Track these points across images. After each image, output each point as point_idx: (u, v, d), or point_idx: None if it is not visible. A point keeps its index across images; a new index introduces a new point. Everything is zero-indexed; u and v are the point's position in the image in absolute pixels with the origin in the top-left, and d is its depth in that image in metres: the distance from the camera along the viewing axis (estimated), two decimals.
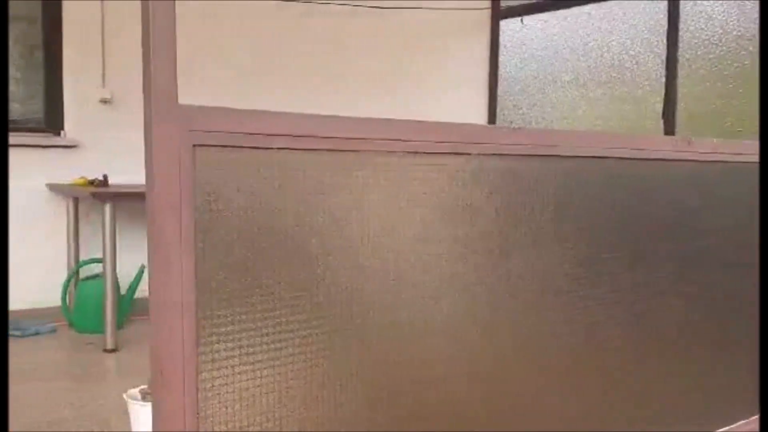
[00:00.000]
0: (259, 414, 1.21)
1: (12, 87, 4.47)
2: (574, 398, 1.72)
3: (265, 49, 5.07)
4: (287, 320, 1.23)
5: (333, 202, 1.25)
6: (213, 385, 1.16)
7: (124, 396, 2.53)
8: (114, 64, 4.55)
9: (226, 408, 1.19)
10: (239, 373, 1.20)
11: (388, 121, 1.27)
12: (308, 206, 1.23)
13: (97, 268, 4.24)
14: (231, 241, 1.17)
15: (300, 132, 1.18)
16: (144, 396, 2.50)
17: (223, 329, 1.18)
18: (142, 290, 4.33)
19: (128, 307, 4.25)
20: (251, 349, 1.21)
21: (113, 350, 3.73)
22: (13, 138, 4.30)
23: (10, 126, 4.39)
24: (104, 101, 4.54)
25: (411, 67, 5.76)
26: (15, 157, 4.30)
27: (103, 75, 4.53)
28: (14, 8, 4.43)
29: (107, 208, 3.67)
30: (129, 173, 4.52)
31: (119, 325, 3.95)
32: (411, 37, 5.75)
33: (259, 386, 1.21)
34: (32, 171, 4.34)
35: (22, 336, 4.06)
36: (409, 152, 1.36)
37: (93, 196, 3.75)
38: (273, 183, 1.19)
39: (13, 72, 4.46)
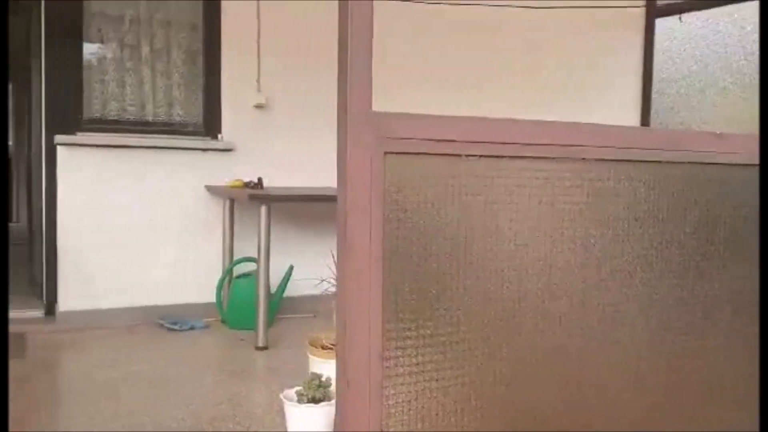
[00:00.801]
0: None
1: (174, 92, 4.72)
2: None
3: (417, 51, 5.06)
4: (472, 337, 1.17)
5: (523, 213, 1.18)
6: (396, 401, 1.12)
7: (281, 396, 2.58)
8: (268, 70, 4.70)
9: (408, 425, 1.14)
10: (421, 390, 1.15)
11: (595, 126, 1.19)
12: (496, 217, 1.17)
13: (248, 267, 4.39)
14: (417, 252, 1.13)
15: (493, 138, 1.11)
16: (300, 398, 2.53)
17: (408, 342, 1.13)
18: (290, 289, 4.44)
19: (277, 306, 4.36)
20: (433, 365, 1.16)
21: (264, 348, 3.83)
22: (174, 141, 4.55)
23: (173, 129, 4.64)
24: (259, 106, 4.70)
25: (560, 69, 5.57)
26: (176, 159, 4.54)
27: (258, 81, 4.68)
28: (177, 15, 4.68)
29: (263, 209, 3.79)
30: (280, 176, 4.67)
31: (269, 323, 4.06)
32: (560, 37, 5.56)
33: (441, 404, 1.16)
34: (192, 173, 4.56)
35: (180, 330, 4.27)
36: (597, 159, 1.27)
37: (250, 198, 3.88)
38: (462, 192, 1.14)
39: (177, 78, 4.71)
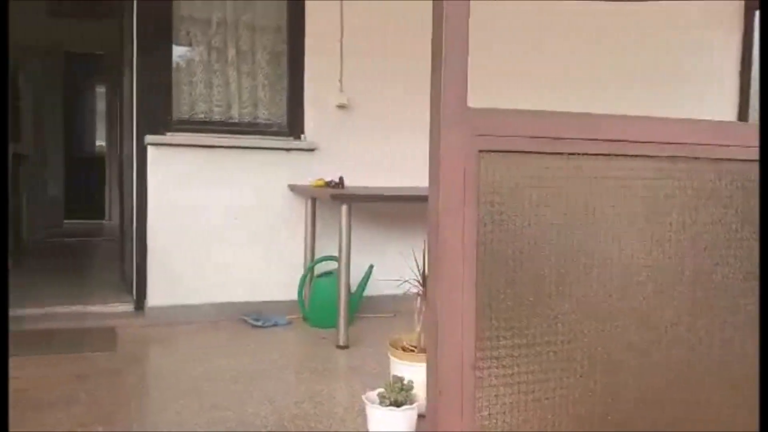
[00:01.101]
0: None
1: (259, 93, 4.78)
2: None
3: (511, 48, 4.95)
4: (571, 347, 1.10)
5: (628, 216, 1.10)
6: (490, 413, 1.07)
7: (363, 398, 2.56)
8: (351, 71, 4.70)
9: None
10: (516, 403, 1.09)
11: (709, 123, 1.10)
12: (599, 220, 1.09)
13: (329, 266, 4.40)
14: (513, 256, 1.07)
15: (597, 135, 1.04)
16: (382, 400, 2.50)
17: (503, 351, 1.08)
18: (370, 289, 4.43)
19: (357, 305, 4.36)
20: (530, 377, 1.10)
21: (345, 347, 3.83)
22: (259, 141, 4.61)
23: (258, 130, 4.70)
24: (341, 106, 4.71)
25: (654, 65, 5.35)
26: (260, 158, 4.60)
27: (341, 81, 4.69)
28: (262, 17, 4.74)
29: (344, 209, 3.78)
30: (361, 176, 4.67)
31: (349, 322, 4.05)
32: (654, 32, 5.35)
33: (538, 418, 1.09)
34: (276, 172, 4.61)
35: (263, 327, 4.32)
36: (712, 158, 1.17)
37: (332, 198, 3.88)
38: (562, 192, 1.07)
39: (261, 79, 4.77)
